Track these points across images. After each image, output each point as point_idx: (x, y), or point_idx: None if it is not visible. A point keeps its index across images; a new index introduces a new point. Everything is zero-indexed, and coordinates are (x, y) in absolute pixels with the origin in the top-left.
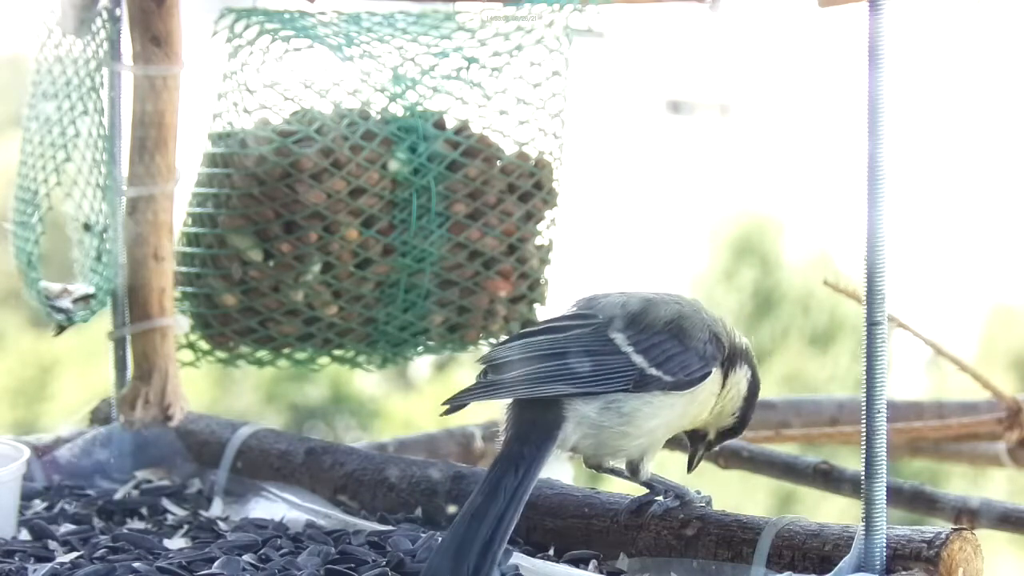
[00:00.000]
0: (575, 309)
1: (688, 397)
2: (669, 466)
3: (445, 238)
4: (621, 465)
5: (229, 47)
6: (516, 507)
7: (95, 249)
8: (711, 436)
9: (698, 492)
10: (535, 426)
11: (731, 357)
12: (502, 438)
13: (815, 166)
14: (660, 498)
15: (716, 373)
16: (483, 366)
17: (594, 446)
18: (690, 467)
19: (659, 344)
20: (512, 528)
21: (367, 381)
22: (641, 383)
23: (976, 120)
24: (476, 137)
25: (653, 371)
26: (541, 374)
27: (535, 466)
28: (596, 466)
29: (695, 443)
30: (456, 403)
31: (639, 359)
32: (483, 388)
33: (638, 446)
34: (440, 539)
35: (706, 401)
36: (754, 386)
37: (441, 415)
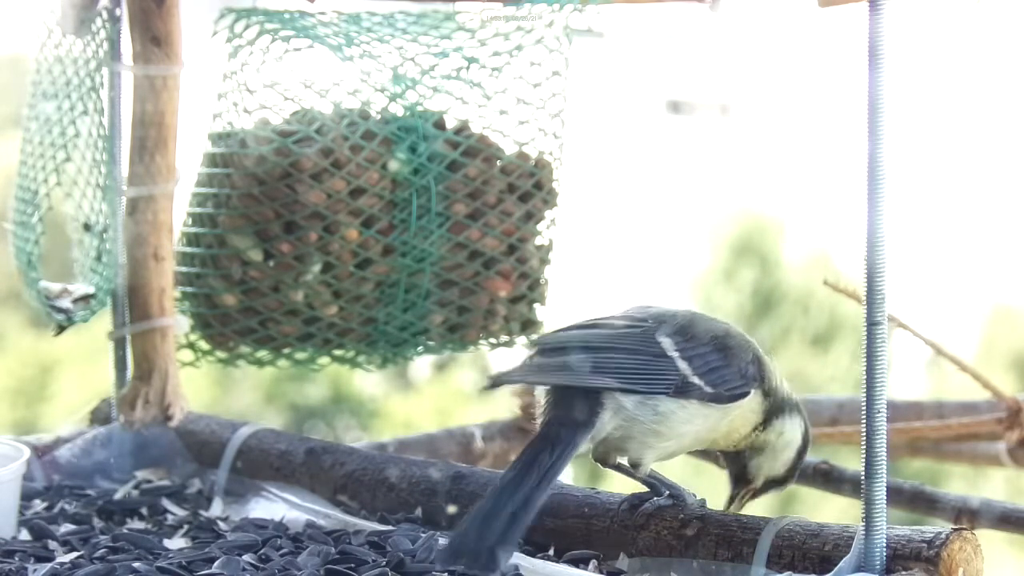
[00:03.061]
0: (620, 311)
1: (723, 412)
2: (668, 466)
3: (445, 238)
4: (625, 461)
5: (229, 47)
6: (547, 484)
7: (95, 249)
8: (758, 484)
9: (693, 495)
10: (574, 411)
11: (779, 401)
12: (539, 420)
13: (815, 166)
14: (655, 498)
15: (756, 396)
16: (531, 350)
17: (622, 439)
18: (728, 506)
19: (704, 355)
20: (540, 503)
21: (367, 381)
22: (682, 389)
23: (976, 120)
24: (476, 137)
25: (695, 379)
26: (589, 365)
27: (571, 448)
28: (602, 460)
29: (739, 484)
30: (501, 381)
31: (683, 365)
32: (530, 370)
33: (664, 447)
34: (474, 508)
35: (739, 420)
36: (806, 441)
37: (482, 389)
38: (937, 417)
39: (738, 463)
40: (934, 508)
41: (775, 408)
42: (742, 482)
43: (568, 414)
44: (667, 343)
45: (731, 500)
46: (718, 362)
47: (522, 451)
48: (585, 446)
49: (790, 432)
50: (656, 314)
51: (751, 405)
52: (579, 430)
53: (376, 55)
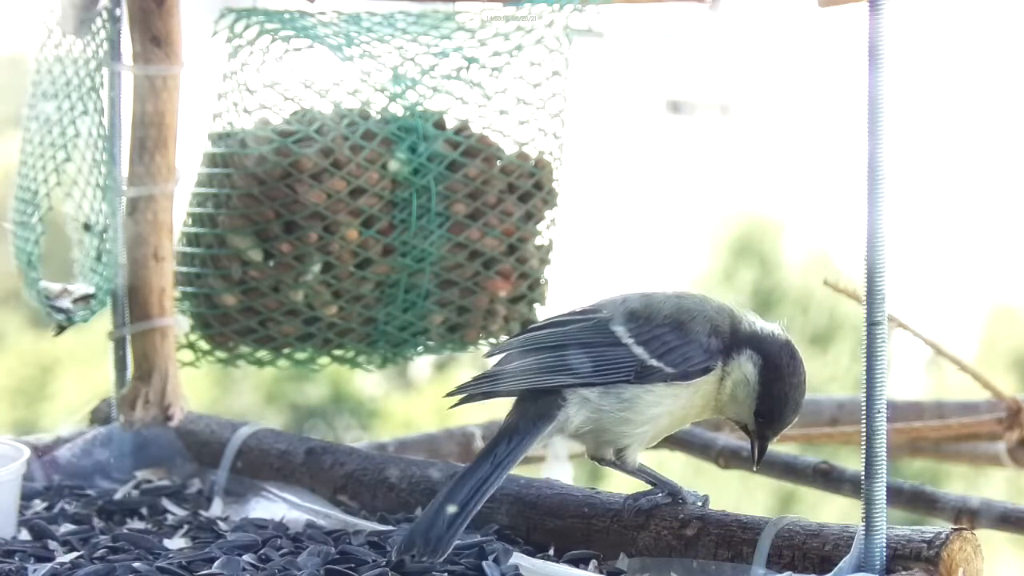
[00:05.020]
0: (590, 304)
1: (692, 388)
2: (668, 465)
3: (445, 238)
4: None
5: (229, 47)
6: (499, 473)
7: (95, 249)
8: (752, 427)
9: (694, 492)
10: (535, 406)
11: (732, 345)
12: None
13: (815, 166)
14: (654, 495)
15: (720, 368)
16: (490, 359)
17: (596, 432)
18: (756, 462)
19: (660, 336)
20: (491, 492)
21: (367, 381)
22: (643, 374)
23: (976, 120)
24: (476, 137)
25: (654, 362)
26: (542, 365)
27: (527, 439)
28: (599, 459)
29: (750, 437)
30: (457, 394)
31: (639, 350)
32: (484, 380)
33: (640, 433)
34: (433, 500)
35: (710, 394)
36: (765, 369)
37: (450, 408)
38: (937, 417)
39: (737, 423)
40: (934, 508)
41: (727, 354)
42: (748, 434)
43: (529, 409)
44: (621, 331)
45: (753, 453)
46: (676, 340)
47: (488, 443)
48: (547, 437)
49: (741, 367)
50: (609, 302)
51: (714, 375)
52: (539, 422)
53: (376, 55)
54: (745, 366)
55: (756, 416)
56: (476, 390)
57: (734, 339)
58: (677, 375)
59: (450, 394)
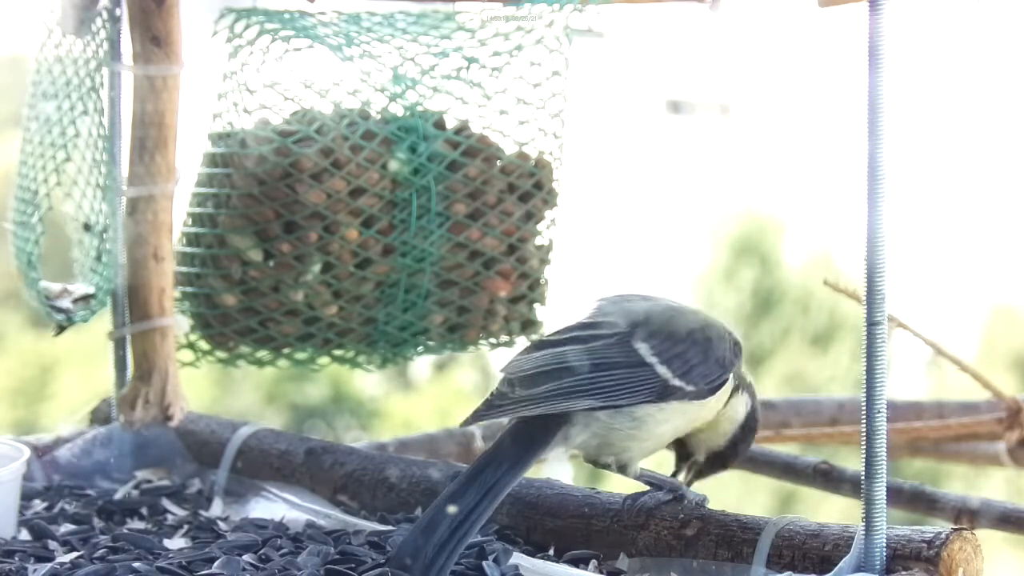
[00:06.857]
0: (597, 310)
1: (699, 404)
2: (668, 465)
3: (445, 238)
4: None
5: (229, 47)
6: (490, 502)
7: (95, 249)
8: (700, 459)
9: (694, 492)
10: (534, 424)
11: (738, 382)
12: (505, 423)
13: (815, 166)
14: (656, 492)
15: (730, 380)
16: (505, 376)
17: (599, 446)
18: (689, 484)
19: (682, 354)
20: (482, 521)
21: (367, 381)
22: (664, 394)
23: (976, 120)
24: (476, 137)
25: (677, 382)
26: (567, 388)
27: (520, 466)
28: (593, 461)
29: (682, 461)
30: (482, 418)
31: (663, 370)
32: (511, 403)
33: (643, 448)
34: (418, 521)
35: (714, 407)
36: (751, 419)
37: (462, 424)
38: (937, 417)
39: (678, 440)
40: (934, 508)
41: (735, 387)
42: (685, 459)
43: (525, 427)
44: (644, 349)
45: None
46: (697, 358)
47: (474, 461)
48: (549, 456)
49: (733, 408)
50: (631, 317)
51: (726, 389)
52: (532, 446)
53: (376, 55)
54: (740, 407)
55: (715, 452)
56: (503, 414)
57: (743, 376)
58: (695, 394)
59: (473, 415)
